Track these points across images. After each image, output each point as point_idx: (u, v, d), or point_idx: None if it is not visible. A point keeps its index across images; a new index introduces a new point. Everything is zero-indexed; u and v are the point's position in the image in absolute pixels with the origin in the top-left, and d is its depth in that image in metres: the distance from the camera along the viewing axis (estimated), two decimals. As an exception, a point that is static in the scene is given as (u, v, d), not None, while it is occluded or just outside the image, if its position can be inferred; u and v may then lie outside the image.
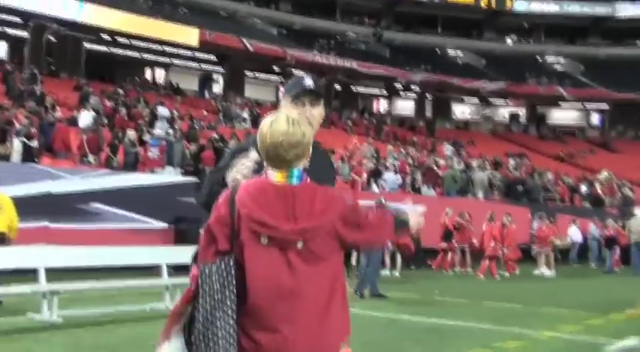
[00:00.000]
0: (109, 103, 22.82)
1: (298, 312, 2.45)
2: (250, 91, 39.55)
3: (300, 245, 2.46)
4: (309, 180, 2.58)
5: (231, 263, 2.46)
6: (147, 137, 18.61)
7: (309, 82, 3.14)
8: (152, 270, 10.79)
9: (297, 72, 40.13)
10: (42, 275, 8.87)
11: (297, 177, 2.55)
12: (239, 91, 37.52)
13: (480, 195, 23.34)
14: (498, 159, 31.13)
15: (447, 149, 32.28)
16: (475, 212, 19.53)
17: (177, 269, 10.17)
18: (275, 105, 40.24)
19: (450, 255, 19.09)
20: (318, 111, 3.14)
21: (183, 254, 10.29)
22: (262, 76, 42.11)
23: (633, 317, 10.63)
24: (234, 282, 2.45)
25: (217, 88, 39.45)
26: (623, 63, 48.33)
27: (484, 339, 8.33)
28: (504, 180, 25.12)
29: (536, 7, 49.97)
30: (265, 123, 2.60)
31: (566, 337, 8.65)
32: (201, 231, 2.58)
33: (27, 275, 9.28)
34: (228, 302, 2.44)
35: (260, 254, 2.46)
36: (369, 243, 2.90)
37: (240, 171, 2.80)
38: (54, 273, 9.34)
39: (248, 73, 39.96)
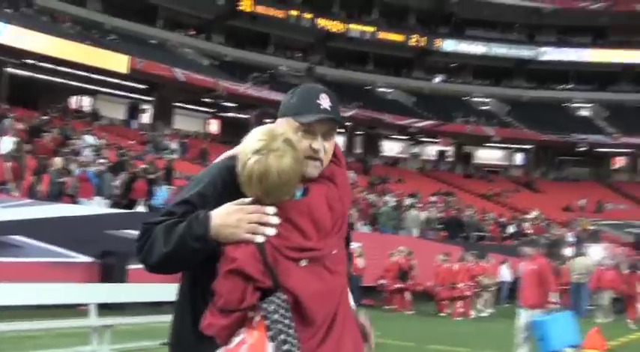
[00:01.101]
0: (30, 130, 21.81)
1: (341, 322, 2.29)
2: (179, 122, 38.76)
3: (334, 251, 2.32)
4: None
5: (285, 297, 2.15)
6: (73, 166, 17.69)
7: (325, 102, 2.32)
8: (65, 309, 10.02)
9: (227, 104, 39.76)
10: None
11: (300, 197, 2.29)
12: (168, 122, 36.71)
13: (415, 232, 23.23)
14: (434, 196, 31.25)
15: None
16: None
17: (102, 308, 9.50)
18: (204, 137, 39.82)
19: (405, 294, 18.86)
20: (331, 145, 2.37)
21: (115, 292, 9.60)
22: (192, 107, 41.33)
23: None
24: (292, 319, 2.15)
25: (145, 117, 38.48)
26: (545, 105, 49.83)
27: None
28: (439, 218, 25.14)
29: (464, 48, 51.00)
30: (268, 159, 2.17)
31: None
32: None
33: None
34: (294, 341, 2.13)
35: (306, 276, 2.20)
36: None
37: (256, 230, 2.15)
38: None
39: (177, 104, 39.16)
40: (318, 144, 2.31)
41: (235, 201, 2.22)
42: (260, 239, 2.17)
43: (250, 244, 2.15)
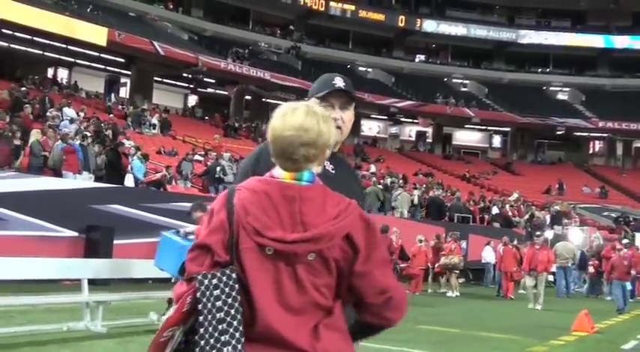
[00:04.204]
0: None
1: (318, 337, 2.02)
2: (158, 97, 38.21)
3: (312, 257, 2.03)
4: (322, 185, 2.15)
5: (234, 276, 2.02)
6: (54, 139, 17.29)
7: (339, 82, 2.79)
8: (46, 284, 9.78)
9: (207, 80, 39.30)
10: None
11: (306, 181, 2.12)
12: (147, 96, 36.16)
13: (405, 213, 23.23)
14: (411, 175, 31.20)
15: (371, 167, 32.22)
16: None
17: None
18: (184, 113, 39.36)
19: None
20: (348, 116, 2.82)
21: (104, 267, 9.37)
22: (171, 82, 40.78)
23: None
24: (239, 299, 2.00)
25: (124, 91, 37.89)
26: (524, 88, 50.05)
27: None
28: (426, 199, 25.11)
29: (445, 29, 50.88)
30: (279, 112, 2.19)
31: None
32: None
33: None
34: (236, 324, 1.98)
35: (265, 266, 2.03)
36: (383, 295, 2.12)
37: None
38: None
39: (157, 78, 38.58)
40: (336, 113, 2.74)
41: None
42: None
43: (222, 213, 2.10)
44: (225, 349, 1.96)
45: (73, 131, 19.00)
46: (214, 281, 2.00)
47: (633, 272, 17.63)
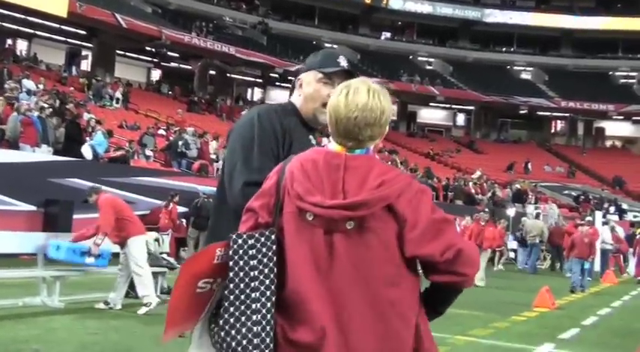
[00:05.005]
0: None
1: (345, 311, 1.97)
2: (120, 71, 37.54)
3: (350, 225, 2.00)
4: (376, 156, 2.16)
5: (273, 237, 2.06)
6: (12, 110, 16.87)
7: (343, 62, 2.75)
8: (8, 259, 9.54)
9: (171, 54, 38.72)
10: None
11: (359, 152, 2.12)
12: (109, 70, 35.51)
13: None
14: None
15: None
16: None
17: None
18: (147, 87, 38.81)
19: None
20: None
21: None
22: (134, 55, 40.09)
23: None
24: (274, 260, 2.03)
25: (85, 64, 37.15)
26: (489, 67, 50.27)
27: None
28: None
29: (411, 6, 50.74)
30: (340, 91, 2.15)
31: (484, 342, 8.30)
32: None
33: None
34: (268, 282, 2.01)
35: (304, 232, 2.03)
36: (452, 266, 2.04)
37: None
38: None
39: (119, 52, 37.88)
40: None
41: None
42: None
43: (273, 178, 2.15)
44: (253, 305, 1.98)
45: (32, 103, 18.54)
46: (251, 241, 2.04)
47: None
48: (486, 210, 20.40)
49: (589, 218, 20.85)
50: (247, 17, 45.85)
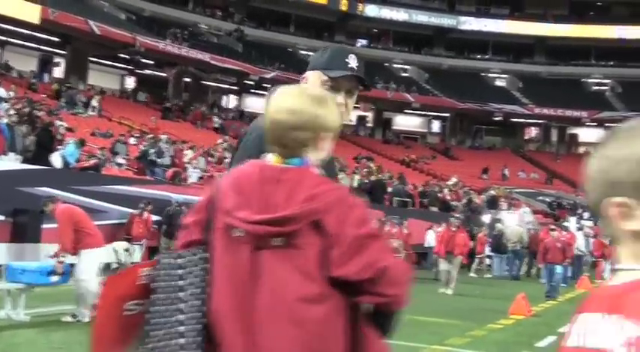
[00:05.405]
0: None
1: (262, 334, 1.84)
2: (94, 78, 37.16)
3: (277, 242, 1.87)
4: (311, 168, 1.97)
5: (203, 256, 1.95)
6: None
7: (353, 62, 2.48)
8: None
9: (145, 61, 38.40)
10: None
11: (294, 164, 1.98)
12: (82, 77, 35.15)
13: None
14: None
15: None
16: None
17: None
18: (121, 94, 38.44)
19: None
20: (353, 101, 2.51)
21: (29, 252, 8.92)
22: (108, 62, 39.69)
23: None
24: (204, 280, 1.92)
25: (58, 72, 36.71)
26: (464, 74, 50.50)
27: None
28: (370, 182, 25.12)
29: (386, 14, 50.90)
30: (274, 94, 2.06)
31: (460, 351, 8.20)
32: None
33: None
34: (196, 303, 1.90)
35: (231, 249, 1.91)
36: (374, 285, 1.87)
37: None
38: None
39: (92, 59, 37.50)
40: (341, 98, 2.41)
41: None
42: None
43: (207, 194, 2.07)
44: (181, 328, 1.88)
45: (2, 111, 18.23)
46: (179, 260, 1.95)
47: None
48: (456, 215, 20.23)
49: (566, 223, 20.89)
50: (222, 24, 45.67)
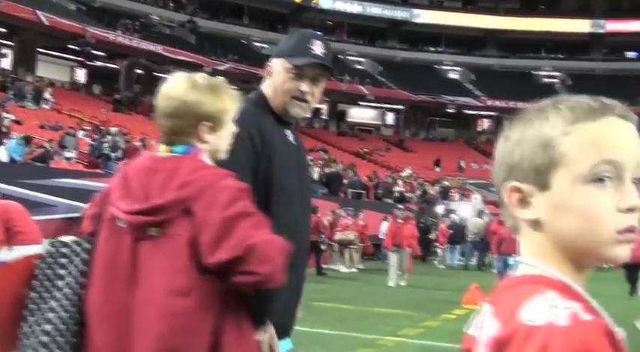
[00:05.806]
0: None
1: (129, 328, 1.81)
2: (43, 70, 36.39)
3: (154, 232, 1.84)
4: (195, 156, 1.94)
5: (86, 246, 1.96)
6: None
7: (318, 49, 2.47)
8: None
9: (96, 52, 37.74)
10: None
11: (178, 153, 1.97)
12: (30, 69, 34.37)
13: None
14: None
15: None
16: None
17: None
18: (72, 86, 37.71)
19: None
20: (319, 88, 2.50)
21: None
22: (57, 53, 38.88)
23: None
24: (82, 269, 1.93)
25: (5, 63, 35.85)
26: (417, 66, 50.86)
27: (330, 346, 7.67)
28: (327, 174, 25.15)
29: (340, 6, 50.92)
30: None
31: (414, 342, 8.23)
32: None
33: None
34: (69, 292, 1.90)
35: (112, 240, 1.90)
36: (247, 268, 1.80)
37: None
38: None
39: (41, 50, 36.71)
40: (306, 87, 2.41)
41: None
42: None
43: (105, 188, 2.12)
44: (49, 314, 1.88)
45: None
46: (64, 249, 1.95)
47: None
48: (400, 207, 20.29)
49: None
50: (175, 15, 45.11)
